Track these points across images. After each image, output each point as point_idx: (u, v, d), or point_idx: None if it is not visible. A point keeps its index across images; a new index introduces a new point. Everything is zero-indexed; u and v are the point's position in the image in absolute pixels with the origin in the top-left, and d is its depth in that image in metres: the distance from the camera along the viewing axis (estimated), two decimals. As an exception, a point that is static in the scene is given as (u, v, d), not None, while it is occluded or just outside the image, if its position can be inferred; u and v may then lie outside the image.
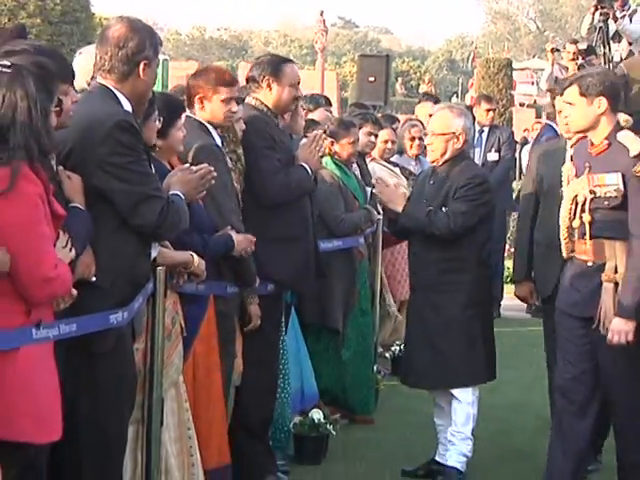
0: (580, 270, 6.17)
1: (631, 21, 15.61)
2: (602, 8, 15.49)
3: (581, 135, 6.31)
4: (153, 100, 5.65)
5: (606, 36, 15.51)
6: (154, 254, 5.58)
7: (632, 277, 5.92)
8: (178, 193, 5.41)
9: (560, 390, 6.31)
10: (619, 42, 15.71)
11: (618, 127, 6.00)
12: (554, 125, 10.11)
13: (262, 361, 6.88)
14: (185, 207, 5.45)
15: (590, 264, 6.09)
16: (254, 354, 6.76)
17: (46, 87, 4.67)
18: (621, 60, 15.58)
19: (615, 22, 15.56)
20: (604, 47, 15.37)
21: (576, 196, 6.03)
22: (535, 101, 36.55)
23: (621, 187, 5.88)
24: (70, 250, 4.78)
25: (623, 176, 5.89)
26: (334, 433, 7.50)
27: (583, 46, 15.56)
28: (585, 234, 6.03)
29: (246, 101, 7.03)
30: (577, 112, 6.07)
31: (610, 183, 5.92)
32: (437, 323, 6.80)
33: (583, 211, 6.00)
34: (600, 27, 15.55)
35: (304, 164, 6.83)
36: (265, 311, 6.75)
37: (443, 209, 6.71)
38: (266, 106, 6.96)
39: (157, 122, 5.76)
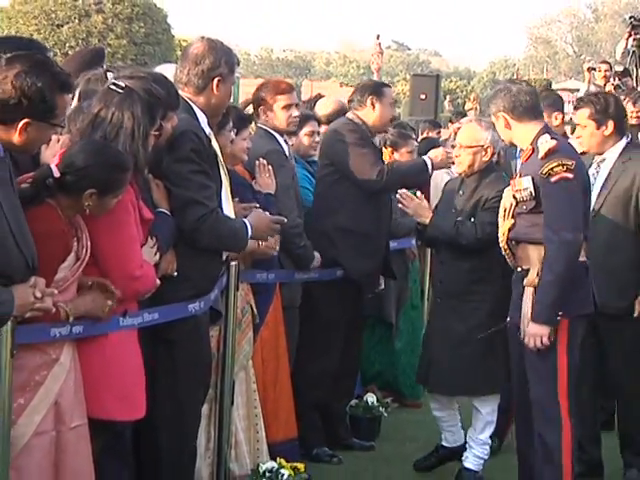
0: (514, 277, 5.77)
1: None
2: (635, 35, 15.54)
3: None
4: (228, 112, 5.69)
5: (638, 60, 15.52)
6: (225, 254, 5.61)
7: (545, 282, 5.43)
8: (246, 222, 5.40)
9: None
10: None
11: (543, 132, 5.55)
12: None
13: (322, 345, 6.91)
14: (242, 232, 5.35)
15: (519, 270, 5.68)
16: (316, 338, 6.85)
17: (151, 113, 4.71)
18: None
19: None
20: (636, 69, 15.43)
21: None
22: (571, 118, 36.27)
23: (531, 190, 5.46)
24: (156, 253, 4.84)
25: (533, 179, 5.47)
26: (386, 415, 7.53)
27: (619, 68, 15.46)
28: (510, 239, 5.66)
29: (346, 116, 7.11)
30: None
31: (525, 187, 5.51)
32: (461, 332, 6.35)
33: (509, 217, 5.64)
34: (633, 51, 15.58)
35: (427, 158, 6.96)
36: (330, 297, 6.79)
37: (471, 219, 6.33)
38: (364, 123, 6.98)
39: (232, 132, 5.81)
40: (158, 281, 4.78)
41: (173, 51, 32.25)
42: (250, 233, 5.38)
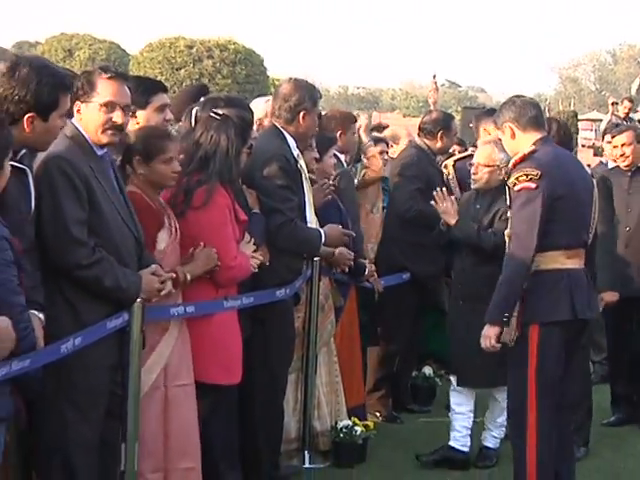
0: None
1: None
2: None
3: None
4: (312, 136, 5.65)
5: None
6: None
7: (499, 285, 4.88)
8: (322, 231, 5.41)
9: None
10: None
11: (540, 142, 4.92)
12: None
13: (394, 334, 6.86)
14: (317, 240, 5.37)
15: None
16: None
17: (242, 134, 4.79)
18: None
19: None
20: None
21: None
22: (594, 144, 35.77)
23: (508, 199, 4.99)
24: (252, 245, 4.85)
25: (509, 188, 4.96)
26: (440, 384, 7.43)
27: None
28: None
29: (414, 142, 7.08)
30: None
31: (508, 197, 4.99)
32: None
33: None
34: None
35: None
36: (397, 297, 6.68)
37: (490, 230, 5.92)
38: (429, 148, 6.94)
39: (315, 152, 5.78)
40: (253, 269, 4.78)
41: (268, 89, 32.35)
42: (324, 240, 5.40)
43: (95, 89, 3.96)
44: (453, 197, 6.25)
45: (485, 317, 4.90)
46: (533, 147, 4.87)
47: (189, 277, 4.40)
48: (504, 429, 6.06)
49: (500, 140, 5.56)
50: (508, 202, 4.96)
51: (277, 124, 5.25)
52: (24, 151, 3.57)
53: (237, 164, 4.74)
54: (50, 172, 3.80)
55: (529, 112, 4.95)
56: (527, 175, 4.77)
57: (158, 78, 30.21)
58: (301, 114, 5.22)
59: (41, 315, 3.55)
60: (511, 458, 5.08)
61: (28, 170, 3.55)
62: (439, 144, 6.96)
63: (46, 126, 3.60)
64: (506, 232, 5.04)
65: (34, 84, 3.54)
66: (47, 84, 3.56)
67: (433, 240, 6.36)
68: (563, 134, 6.37)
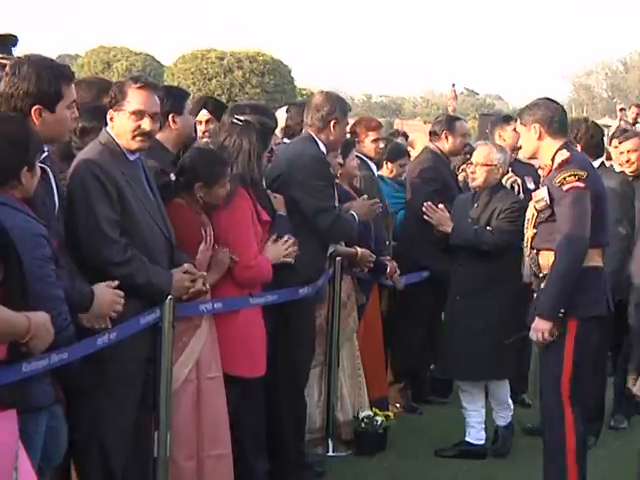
0: (537, 282, 4.92)
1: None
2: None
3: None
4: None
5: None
6: (330, 250, 5.60)
7: (549, 279, 4.68)
8: (354, 214, 5.49)
9: None
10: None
11: (562, 147, 4.79)
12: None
13: (414, 330, 6.83)
14: (355, 224, 5.48)
15: (540, 275, 4.82)
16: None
17: (263, 139, 4.84)
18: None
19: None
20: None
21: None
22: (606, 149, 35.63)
23: (546, 199, 4.73)
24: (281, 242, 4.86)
25: (548, 189, 4.74)
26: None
27: None
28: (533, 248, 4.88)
29: (429, 146, 7.04)
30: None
31: (541, 197, 4.77)
32: (480, 326, 5.79)
33: (531, 228, 4.89)
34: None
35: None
36: (417, 294, 6.63)
37: (487, 228, 5.86)
38: (442, 151, 6.94)
39: (340, 158, 5.81)
40: (290, 261, 4.83)
41: (295, 98, 32.41)
42: (357, 220, 5.51)
43: (126, 98, 4.00)
44: (441, 205, 6.15)
45: (538, 312, 4.70)
46: (569, 153, 4.76)
47: (208, 286, 4.37)
48: (511, 410, 6.03)
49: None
50: (548, 200, 4.74)
51: (310, 132, 5.33)
52: (47, 153, 3.57)
53: (259, 167, 4.78)
54: (83, 176, 3.86)
55: (561, 119, 4.83)
56: (575, 175, 4.65)
57: (191, 88, 30.37)
58: (332, 123, 5.29)
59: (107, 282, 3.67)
60: (525, 446, 5.07)
61: (48, 169, 3.54)
62: (448, 145, 6.95)
63: (55, 117, 3.55)
64: (528, 232, 4.87)
65: (34, 77, 3.51)
66: (47, 75, 3.53)
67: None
68: (591, 137, 6.33)
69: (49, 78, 3.53)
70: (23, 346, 3.00)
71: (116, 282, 3.77)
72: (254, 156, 4.73)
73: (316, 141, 5.31)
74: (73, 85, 3.66)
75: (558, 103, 4.96)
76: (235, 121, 4.85)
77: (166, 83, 32.49)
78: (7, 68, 3.58)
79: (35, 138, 3.33)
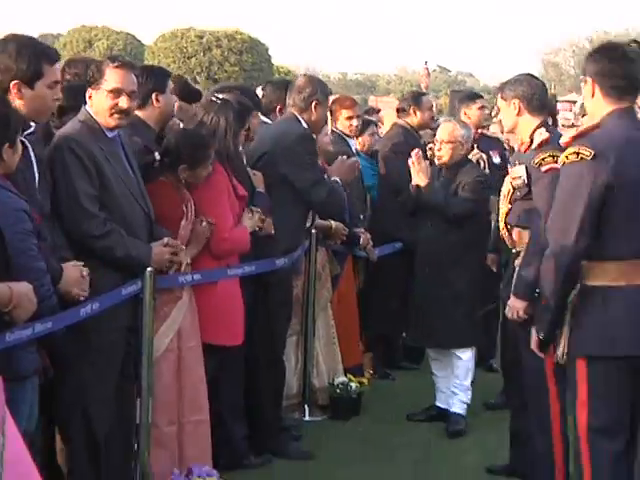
0: (511, 257, 4.70)
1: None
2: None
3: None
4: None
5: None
6: (308, 224, 5.63)
7: (524, 259, 4.35)
8: (337, 179, 5.48)
9: None
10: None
11: (541, 126, 4.52)
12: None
13: (388, 295, 6.86)
14: (343, 192, 5.48)
15: (514, 251, 4.62)
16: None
17: (240, 117, 4.85)
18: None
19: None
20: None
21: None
22: (573, 124, 35.66)
23: (524, 177, 4.46)
24: (262, 221, 4.89)
25: (527, 168, 4.45)
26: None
27: None
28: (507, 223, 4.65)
29: (398, 122, 7.15)
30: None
31: (518, 175, 4.51)
32: (448, 296, 5.74)
33: (506, 203, 4.66)
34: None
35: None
36: (389, 265, 6.65)
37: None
38: (411, 126, 7.06)
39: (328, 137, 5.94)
40: (248, 240, 4.77)
41: (272, 75, 32.28)
42: (341, 182, 5.50)
43: (103, 77, 4.01)
44: (428, 162, 6.06)
45: (513, 290, 4.39)
46: (548, 134, 4.44)
47: (189, 260, 4.41)
48: (470, 393, 5.91)
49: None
50: (525, 179, 4.44)
51: (294, 111, 5.38)
52: (32, 128, 3.58)
53: (235, 144, 4.80)
54: (62, 152, 3.87)
55: (541, 96, 4.59)
56: (553, 156, 4.24)
57: (171, 67, 30.17)
58: (313, 104, 5.34)
59: (73, 262, 3.64)
60: (479, 425, 5.08)
61: (27, 144, 3.53)
62: (417, 119, 7.08)
63: (33, 94, 3.56)
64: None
65: (15, 54, 3.54)
66: (29, 53, 3.56)
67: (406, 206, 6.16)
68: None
69: (30, 56, 3.54)
70: (6, 315, 3.01)
71: (82, 263, 3.72)
72: (230, 133, 4.75)
73: (299, 120, 5.35)
74: (57, 66, 3.67)
75: (540, 80, 4.80)
76: (214, 99, 4.86)
77: (146, 61, 32.26)
78: None
79: (15, 116, 3.32)
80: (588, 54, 3.80)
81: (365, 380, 6.24)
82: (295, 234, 5.38)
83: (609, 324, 3.49)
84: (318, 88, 5.39)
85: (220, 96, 4.92)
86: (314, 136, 5.44)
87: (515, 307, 4.36)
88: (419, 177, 5.90)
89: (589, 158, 3.47)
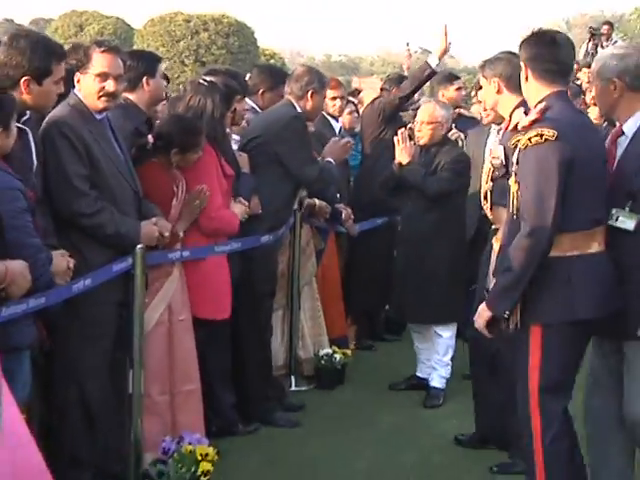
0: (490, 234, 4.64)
1: (613, 48, 15.37)
2: (594, 39, 15.30)
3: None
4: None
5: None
6: (296, 206, 5.69)
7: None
8: (330, 160, 5.53)
9: None
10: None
11: (519, 106, 4.26)
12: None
13: (371, 269, 6.87)
14: (335, 170, 5.55)
15: (492, 228, 4.59)
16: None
17: (226, 99, 4.87)
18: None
19: (602, 49, 15.31)
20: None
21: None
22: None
23: (502, 158, 4.29)
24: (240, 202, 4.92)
25: (504, 148, 4.27)
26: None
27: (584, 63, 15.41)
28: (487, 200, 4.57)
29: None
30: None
31: (497, 155, 4.37)
32: (427, 272, 5.68)
33: (487, 181, 4.56)
34: (592, 52, 15.37)
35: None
36: (370, 240, 6.70)
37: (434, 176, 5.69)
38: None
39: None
40: (237, 224, 4.81)
41: (258, 58, 32.14)
42: (334, 164, 5.54)
43: (90, 61, 4.03)
44: (412, 142, 5.96)
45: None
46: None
47: (181, 233, 4.48)
48: (449, 368, 5.90)
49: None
50: (503, 160, 4.31)
51: (290, 98, 5.44)
52: (28, 115, 3.64)
53: (221, 125, 4.81)
54: (52, 134, 3.89)
55: (519, 72, 4.09)
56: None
57: (160, 50, 29.98)
58: (309, 92, 5.39)
59: (62, 251, 3.65)
60: (456, 393, 5.16)
61: (28, 130, 3.61)
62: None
63: (41, 90, 3.66)
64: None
65: (29, 51, 3.61)
66: (40, 51, 3.63)
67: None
68: None
69: (41, 54, 3.62)
70: (2, 291, 3.05)
71: (68, 253, 3.72)
72: (217, 115, 4.77)
73: (295, 106, 5.41)
74: (63, 63, 3.75)
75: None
76: (201, 82, 4.88)
77: (136, 45, 32.06)
78: (6, 38, 3.66)
79: (9, 101, 3.35)
80: (521, 41, 3.84)
81: (349, 351, 6.30)
82: (282, 213, 5.43)
83: (567, 292, 3.56)
84: (315, 78, 5.44)
85: (207, 79, 4.94)
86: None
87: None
88: (402, 155, 5.84)
89: (553, 139, 3.52)
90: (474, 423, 5.04)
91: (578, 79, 15.22)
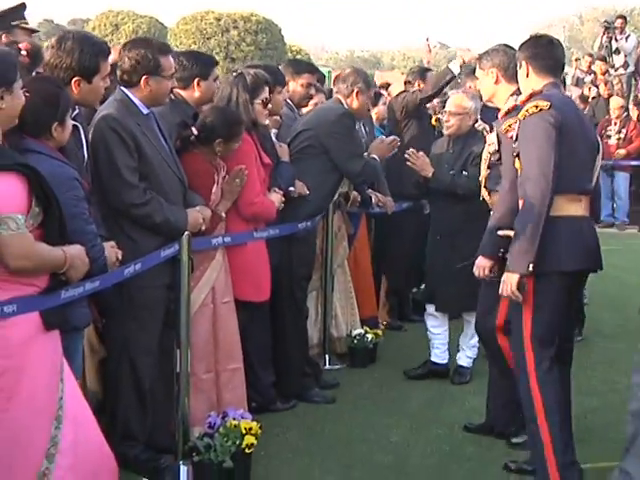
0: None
1: (627, 41, 15.19)
2: (608, 33, 15.15)
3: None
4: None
5: (610, 50, 15.14)
6: (336, 196, 5.71)
7: (491, 221, 4.25)
8: (375, 157, 5.57)
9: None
10: (618, 54, 15.25)
11: (513, 94, 4.38)
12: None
13: (400, 253, 6.89)
14: (379, 166, 5.63)
15: (491, 212, 4.51)
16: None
17: (254, 89, 4.76)
18: (622, 66, 15.20)
19: (616, 42, 15.15)
20: (609, 57, 15.10)
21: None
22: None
23: (496, 144, 4.40)
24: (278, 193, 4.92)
25: (498, 135, 4.38)
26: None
27: (599, 55, 15.34)
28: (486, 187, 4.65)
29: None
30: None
31: (491, 141, 4.47)
32: (457, 262, 5.36)
33: (485, 168, 4.62)
34: (607, 45, 15.21)
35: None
36: (398, 224, 6.70)
37: (464, 172, 5.59)
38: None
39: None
40: (274, 211, 4.81)
41: (285, 54, 32.06)
42: (379, 160, 5.62)
43: (160, 65, 4.03)
44: (421, 152, 5.84)
45: (479, 250, 4.29)
46: (513, 102, 4.33)
47: (223, 214, 4.49)
48: (476, 349, 5.85)
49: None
50: (497, 146, 4.41)
51: (339, 97, 5.52)
52: (77, 111, 3.64)
53: (247, 112, 4.73)
54: (102, 129, 3.90)
55: (516, 63, 4.25)
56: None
57: (191, 47, 29.95)
58: (355, 92, 5.44)
59: (111, 243, 3.66)
60: (483, 373, 5.07)
61: (80, 125, 3.63)
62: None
63: (91, 87, 3.67)
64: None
65: (77, 53, 3.61)
66: (88, 52, 3.63)
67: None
68: None
69: (90, 54, 3.63)
70: (62, 275, 3.07)
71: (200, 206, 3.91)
72: (241, 100, 4.72)
73: (343, 104, 5.47)
74: (109, 60, 3.76)
75: (515, 50, 4.50)
76: (234, 73, 4.86)
77: (169, 43, 32.09)
78: (53, 41, 3.67)
79: (64, 97, 3.35)
80: (521, 44, 4.17)
81: (380, 331, 6.30)
82: (322, 202, 5.47)
83: (555, 247, 3.85)
84: (361, 79, 5.49)
85: (237, 69, 4.95)
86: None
87: (481, 265, 4.30)
88: (424, 171, 5.76)
89: (547, 108, 3.86)
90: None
91: (593, 71, 15.08)
